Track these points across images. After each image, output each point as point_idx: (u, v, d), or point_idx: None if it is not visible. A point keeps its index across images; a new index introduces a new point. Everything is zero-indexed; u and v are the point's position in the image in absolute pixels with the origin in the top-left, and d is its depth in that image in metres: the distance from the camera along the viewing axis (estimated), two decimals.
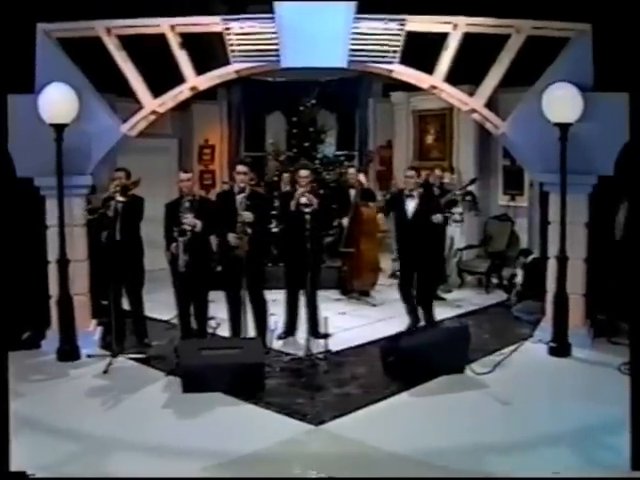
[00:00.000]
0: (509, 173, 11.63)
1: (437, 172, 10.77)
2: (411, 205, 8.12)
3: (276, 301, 8.10)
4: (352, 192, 10.15)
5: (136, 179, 7.66)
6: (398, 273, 8.81)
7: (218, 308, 7.96)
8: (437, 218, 8.01)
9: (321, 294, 8.24)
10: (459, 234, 10.95)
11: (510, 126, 7.93)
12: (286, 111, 13.10)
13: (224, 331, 7.87)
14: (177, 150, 12.88)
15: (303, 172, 7.93)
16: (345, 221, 9.97)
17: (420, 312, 8.29)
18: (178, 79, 7.81)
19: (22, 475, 4.41)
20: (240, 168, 7.54)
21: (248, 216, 7.27)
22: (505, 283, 10.41)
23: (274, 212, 8.59)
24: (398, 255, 8.77)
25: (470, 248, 11.33)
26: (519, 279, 9.68)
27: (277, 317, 8.09)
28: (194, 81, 7.84)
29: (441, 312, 8.88)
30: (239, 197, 7.37)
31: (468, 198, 10.85)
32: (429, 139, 12.81)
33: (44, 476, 4.74)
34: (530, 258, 9.89)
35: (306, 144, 11.99)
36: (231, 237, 7.33)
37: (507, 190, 11.81)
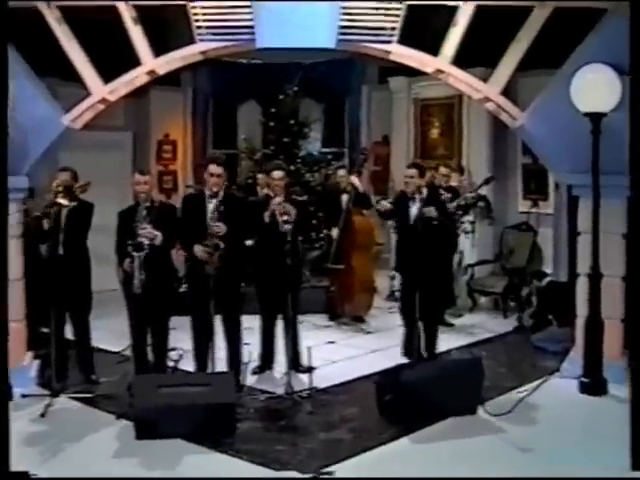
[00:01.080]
0: (530, 174, 11.69)
1: (442, 170, 10.62)
2: (414, 209, 8.05)
3: (250, 328, 8.06)
4: (344, 198, 10.15)
5: (85, 183, 7.60)
6: (398, 294, 8.76)
7: (180, 337, 7.93)
8: (430, 211, 7.86)
9: (305, 319, 8.25)
10: (470, 247, 10.97)
11: (531, 117, 7.96)
12: (262, 100, 13.17)
13: (187, 365, 7.83)
14: (131, 146, 12.92)
15: (277, 173, 7.90)
16: (334, 232, 9.94)
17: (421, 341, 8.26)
18: (133, 61, 7.80)
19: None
20: (213, 169, 7.41)
21: (221, 228, 7.23)
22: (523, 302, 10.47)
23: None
24: (397, 270, 8.68)
25: (483, 264, 11.39)
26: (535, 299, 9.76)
27: (252, 347, 8.06)
28: (152, 64, 7.84)
29: (449, 341, 8.92)
30: (211, 203, 7.35)
31: (481, 204, 10.83)
32: (434, 133, 12.88)
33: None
34: (545, 281, 9.92)
35: (286, 140, 12.01)
36: (197, 249, 7.27)
37: (528, 194, 11.85)
